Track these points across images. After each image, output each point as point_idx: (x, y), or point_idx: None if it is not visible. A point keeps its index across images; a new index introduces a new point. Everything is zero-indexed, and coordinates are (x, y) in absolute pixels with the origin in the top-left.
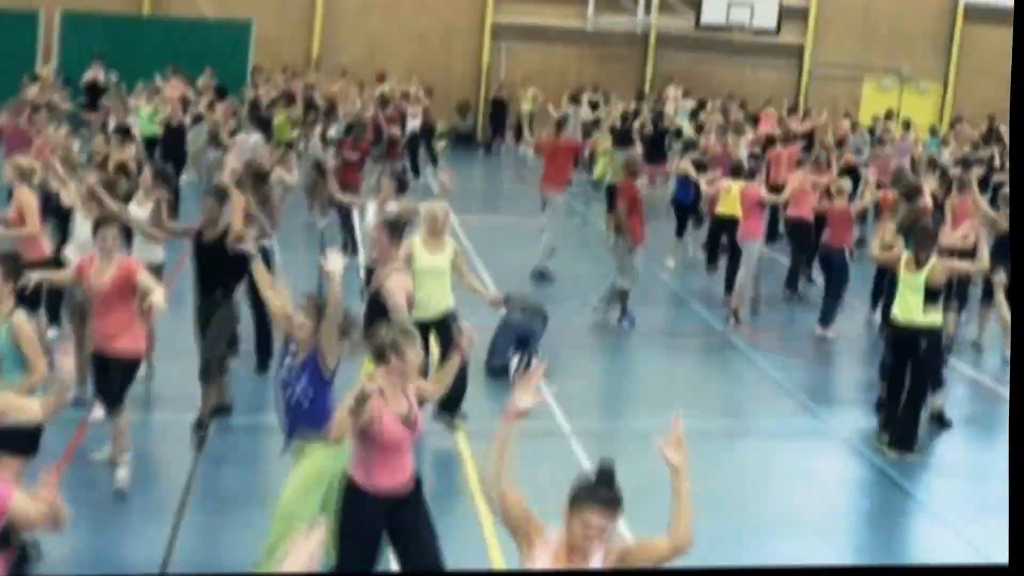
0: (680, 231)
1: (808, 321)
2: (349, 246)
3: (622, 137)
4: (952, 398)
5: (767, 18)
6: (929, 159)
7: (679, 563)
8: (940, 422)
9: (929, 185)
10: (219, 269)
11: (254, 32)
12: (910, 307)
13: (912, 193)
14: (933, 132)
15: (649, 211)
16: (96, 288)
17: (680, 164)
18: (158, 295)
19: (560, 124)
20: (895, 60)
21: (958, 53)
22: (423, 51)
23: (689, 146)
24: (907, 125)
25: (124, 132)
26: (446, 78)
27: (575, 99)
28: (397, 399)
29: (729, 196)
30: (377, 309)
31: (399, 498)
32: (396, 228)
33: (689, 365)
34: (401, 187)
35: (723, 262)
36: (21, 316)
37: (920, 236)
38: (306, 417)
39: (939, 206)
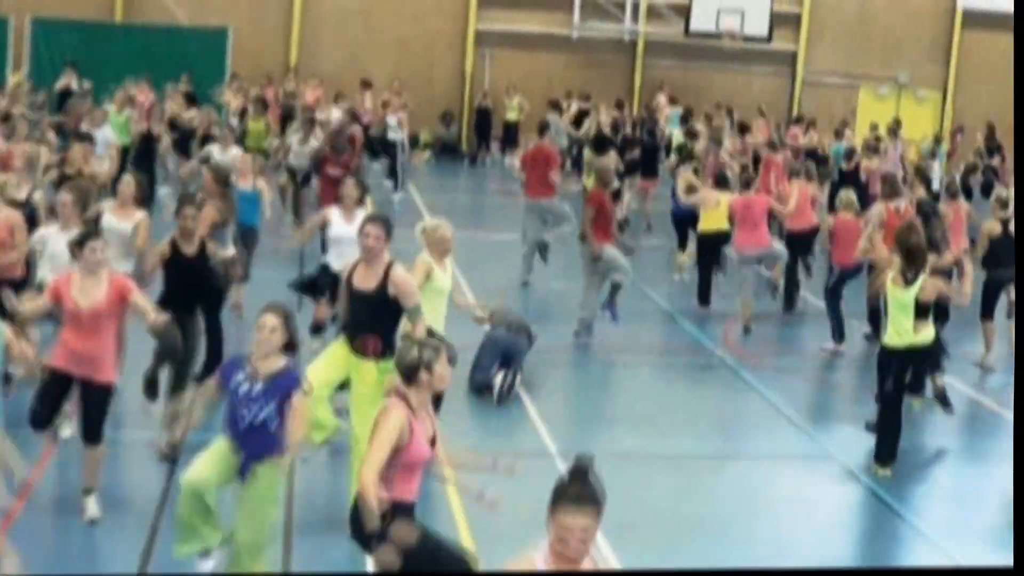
0: (682, 243)
1: (802, 337)
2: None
3: (599, 144)
4: (952, 420)
5: (758, 25)
6: (918, 170)
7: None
8: (943, 402)
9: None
10: (199, 285)
11: (231, 39)
12: (905, 329)
13: (923, 209)
14: (938, 141)
15: (640, 227)
16: (85, 308)
17: (684, 177)
18: (160, 318)
19: (542, 130)
20: (892, 67)
21: (957, 60)
22: (405, 59)
23: (687, 158)
24: (894, 131)
25: (88, 140)
26: (429, 86)
27: (555, 106)
28: (425, 417)
29: (717, 210)
30: (375, 305)
31: (409, 505)
32: (390, 227)
33: (679, 384)
34: (363, 195)
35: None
36: (7, 328)
37: (910, 253)
38: (269, 438)
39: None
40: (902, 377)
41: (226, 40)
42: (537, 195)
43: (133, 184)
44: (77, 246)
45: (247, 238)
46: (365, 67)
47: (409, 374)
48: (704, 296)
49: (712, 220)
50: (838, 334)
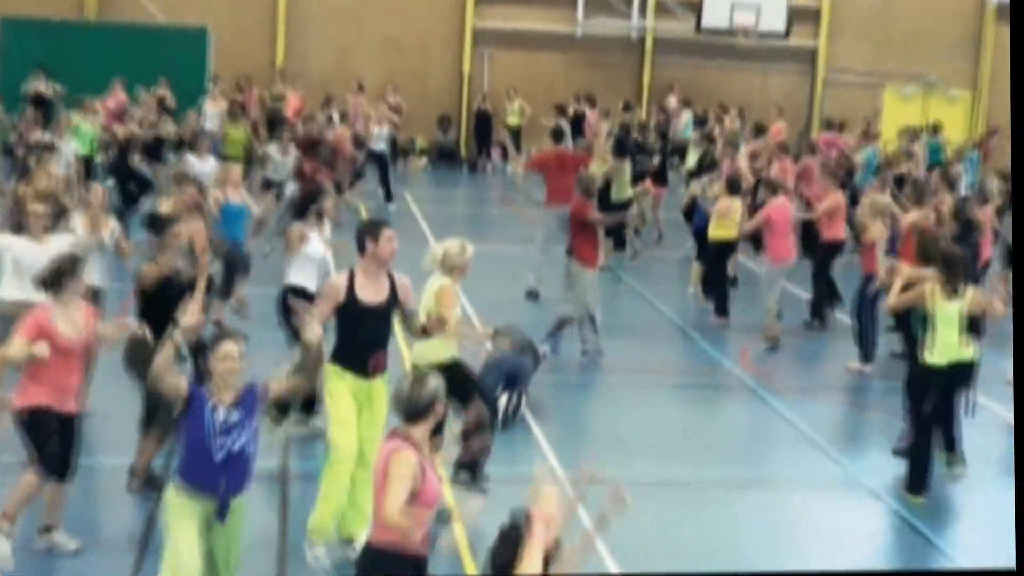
0: (701, 255)
1: (824, 355)
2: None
3: (619, 149)
4: (987, 443)
5: (775, 20)
6: (944, 175)
7: None
8: None
9: (946, 204)
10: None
11: (211, 39)
12: (952, 345)
13: (961, 217)
14: (976, 147)
15: (651, 235)
16: (77, 341)
17: (714, 189)
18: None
19: (557, 134)
20: (919, 65)
21: (990, 57)
22: (398, 60)
23: (709, 167)
24: (915, 135)
25: (51, 148)
26: (424, 89)
27: (562, 110)
28: (431, 454)
29: (730, 218)
30: (387, 317)
31: (423, 559)
32: None
33: (695, 406)
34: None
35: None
36: None
37: (950, 262)
38: (246, 464)
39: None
40: (944, 398)
41: (206, 40)
42: (564, 202)
43: (102, 192)
44: (69, 274)
45: (235, 255)
46: (355, 69)
47: (423, 411)
48: (723, 307)
49: (725, 228)
50: (869, 353)
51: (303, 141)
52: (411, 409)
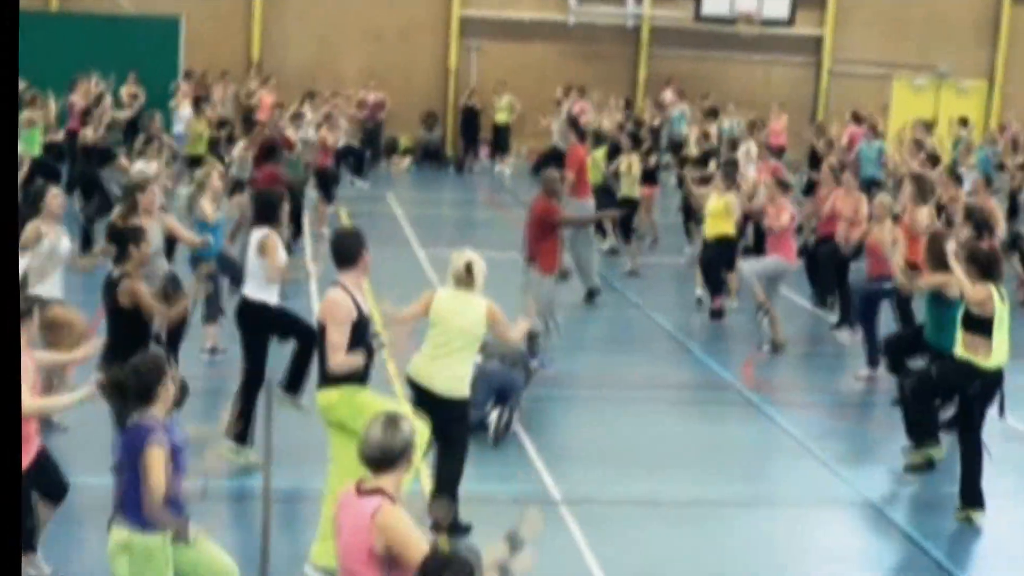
0: None
1: (830, 368)
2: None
3: (636, 143)
4: (1013, 466)
5: (778, 6)
6: (951, 171)
7: None
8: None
9: (958, 201)
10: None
11: (183, 30)
12: (1005, 347)
13: (974, 218)
14: (994, 140)
15: (643, 240)
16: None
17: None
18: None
19: (580, 132)
20: (930, 55)
21: (1006, 46)
22: (380, 52)
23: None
24: (929, 127)
25: None
26: (408, 83)
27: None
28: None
29: (726, 214)
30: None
31: None
32: None
33: (694, 421)
34: None
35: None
36: None
37: (993, 265)
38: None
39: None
40: (979, 405)
41: (177, 31)
42: (586, 196)
43: (62, 196)
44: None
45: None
46: (335, 62)
47: (397, 459)
48: (718, 286)
49: (721, 225)
50: (873, 357)
51: (261, 146)
52: (384, 456)
